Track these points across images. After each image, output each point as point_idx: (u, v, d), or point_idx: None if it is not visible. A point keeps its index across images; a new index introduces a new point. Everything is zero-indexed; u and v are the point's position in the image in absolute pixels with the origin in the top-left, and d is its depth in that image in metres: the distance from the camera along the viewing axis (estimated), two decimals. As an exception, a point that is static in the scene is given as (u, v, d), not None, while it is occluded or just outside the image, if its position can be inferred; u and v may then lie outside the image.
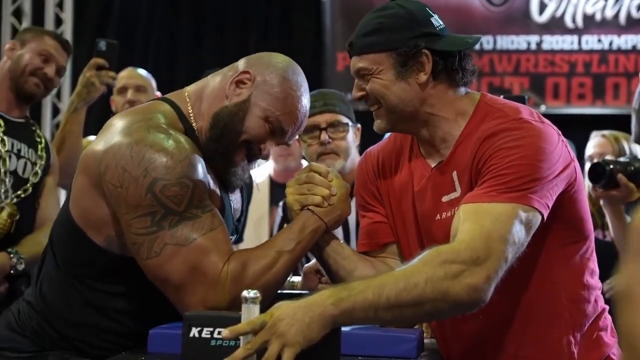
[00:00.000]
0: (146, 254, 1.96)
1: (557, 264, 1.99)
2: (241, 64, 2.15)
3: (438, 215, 2.01)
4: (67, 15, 6.55)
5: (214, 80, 2.15)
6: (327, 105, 3.07)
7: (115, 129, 2.02)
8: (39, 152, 3.22)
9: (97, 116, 4.66)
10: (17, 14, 6.46)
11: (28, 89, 3.19)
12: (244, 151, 2.12)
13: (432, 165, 2.05)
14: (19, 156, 3.15)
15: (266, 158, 2.17)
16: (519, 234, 1.81)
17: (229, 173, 2.13)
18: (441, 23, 2.04)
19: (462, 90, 2.05)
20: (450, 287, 1.70)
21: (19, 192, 3.12)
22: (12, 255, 3.03)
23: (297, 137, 2.21)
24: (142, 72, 4.24)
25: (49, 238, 2.20)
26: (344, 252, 2.12)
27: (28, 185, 3.14)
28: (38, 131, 3.31)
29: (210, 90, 2.13)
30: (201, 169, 2.01)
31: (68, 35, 6.54)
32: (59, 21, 6.55)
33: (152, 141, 1.97)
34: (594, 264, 2.06)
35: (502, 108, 2.00)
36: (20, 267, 3.03)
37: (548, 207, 1.87)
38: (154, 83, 4.19)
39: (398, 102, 2.00)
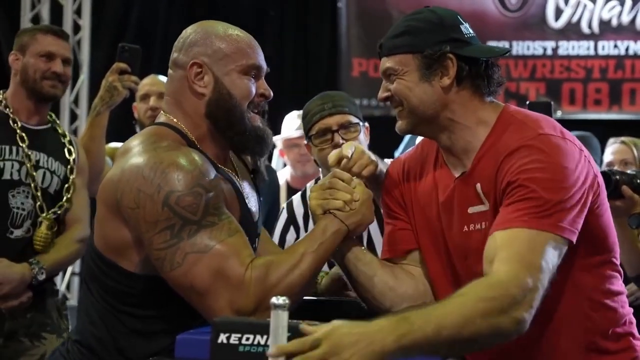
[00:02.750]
0: (169, 266, 2.00)
1: (579, 276, 2.00)
2: (178, 62, 2.20)
3: (465, 227, 2.02)
4: (85, 22, 6.60)
5: (177, 94, 2.20)
6: (337, 106, 3.02)
7: (127, 156, 2.09)
8: (70, 163, 3.26)
9: (120, 122, 4.69)
10: (36, 20, 6.51)
11: (47, 93, 3.23)
12: (253, 112, 2.19)
13: (456, 176, 2.06)
14: (39, 167, 3.19)
15: (269, 96, 2.22)
16: (553, 261, 1.84)
17: (256, 143, 2.20)
18: (471, 32, 2.06)
19: (487, 99, 2.06)
20: (502, 321, 1.73)
21: (55, 209, 3.18)
22: (33, 267, 3.09)
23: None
24: (164, 79, 4.27)
25: (84, 274, 2.23)
26: (364, 257, 2.13)
27: (64, 201, 3.21)
28: (61, 131, 3.33)
29: (183, 102, 2.19)
30: (214, 178, 2.06)
31: (86, 41, 6.59)
32: (77, 28, 6.59)
33: (161, 159, 2.03)
34: (618, 271, 2.07)
35: (524, 120, 2.00)
36: (41, 277, 3.10)
37: (577, 230, 1.90)
38: (175, 90, 4.21)
39: (419, 103, 2.03)
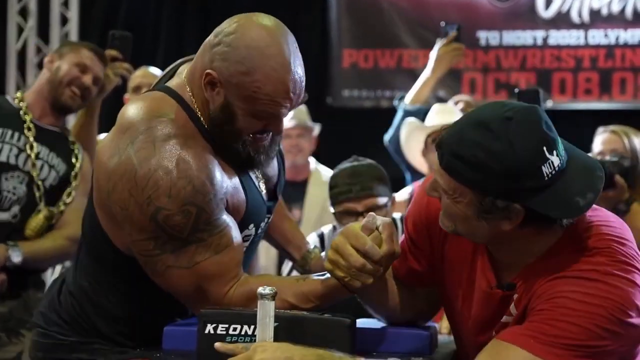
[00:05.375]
0: (150, 271, 2.00)
1: None
2: (203, 59, 1.98)
3: (489, 332, 1.82)
4: (73, 14, 6.55)
5: (196, 72, 2.01)
6: (365, 189, 3.02)
7: (125, 134, 1.97)
8: (74, 169, 3.29)
9: (111, 114, 4.67)
10: (23, 12, 6.47)
11: (64, 100, 3.29)
12: (257, 137, 2.02)
13: (496, 283, 1.83)
14: (38, 159, 3.24)
15: (278, 134, 2.05)
16: None
17: (252, 160, 2.06)
18: (555, 167, 1.67)
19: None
20: None
21: (59, 207, 3.23)
22: (9, 248, 3.10)
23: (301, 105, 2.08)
24: (156, 71, 4.27)
25: (82, 230, 2.21)
26: (375, 285, 1.95)
27: (61, 203, 3.24)
28: (71, 139, 3.37)
29: (197, 85, 2.01)
30: (208, 183, 1.93)
31: (73, 34, 6.55)
32: (64, 20, 6.55)
33: (157, 163, 1.91)
34: None
35: (593, 245, 1.71)
36: (17, 259, 3.10)
37: None
38: (167, 82, 4.19)
39: (469, 234, 1.79)
